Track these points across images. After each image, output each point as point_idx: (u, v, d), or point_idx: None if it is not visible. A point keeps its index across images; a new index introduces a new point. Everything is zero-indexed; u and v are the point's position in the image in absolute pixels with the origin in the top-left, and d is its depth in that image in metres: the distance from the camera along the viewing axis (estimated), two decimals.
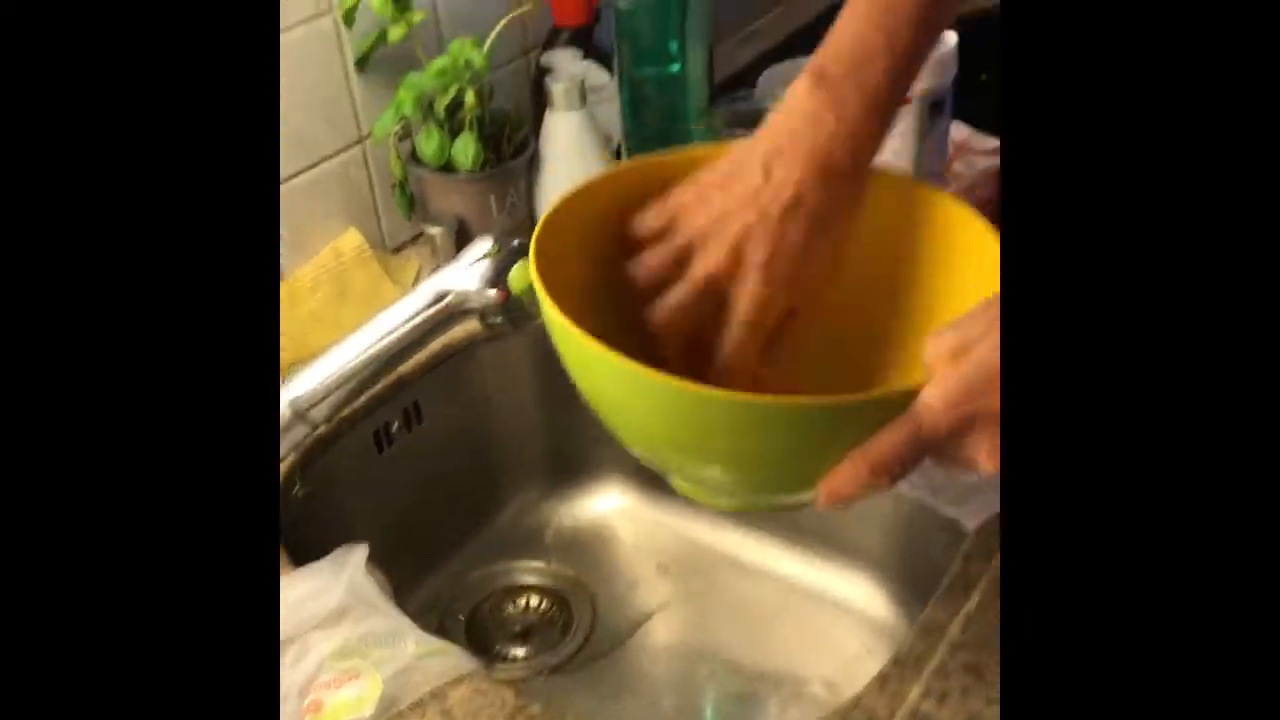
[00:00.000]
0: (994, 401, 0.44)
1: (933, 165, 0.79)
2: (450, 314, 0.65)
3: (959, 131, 0.93)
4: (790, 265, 0.54)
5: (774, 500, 0.56)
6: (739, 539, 0.90)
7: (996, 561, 0.64)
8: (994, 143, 0.92)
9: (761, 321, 0.56)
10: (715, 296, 0.55)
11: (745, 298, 0.54)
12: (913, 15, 0.54)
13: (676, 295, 0.55)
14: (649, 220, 0.57)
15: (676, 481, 0.56)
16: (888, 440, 0.46)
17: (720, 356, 0.56)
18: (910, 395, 0.46)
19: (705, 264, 0.55)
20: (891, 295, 0.61)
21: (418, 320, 0.65)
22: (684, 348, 0.57)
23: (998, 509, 0.66)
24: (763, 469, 0.51)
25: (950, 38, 0.77)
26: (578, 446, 0.93)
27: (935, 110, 0.76)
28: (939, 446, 0.46)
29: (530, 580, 0.90)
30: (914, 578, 0.81)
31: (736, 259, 0.54)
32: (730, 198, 0.54)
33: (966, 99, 0.89)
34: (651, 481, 0.92)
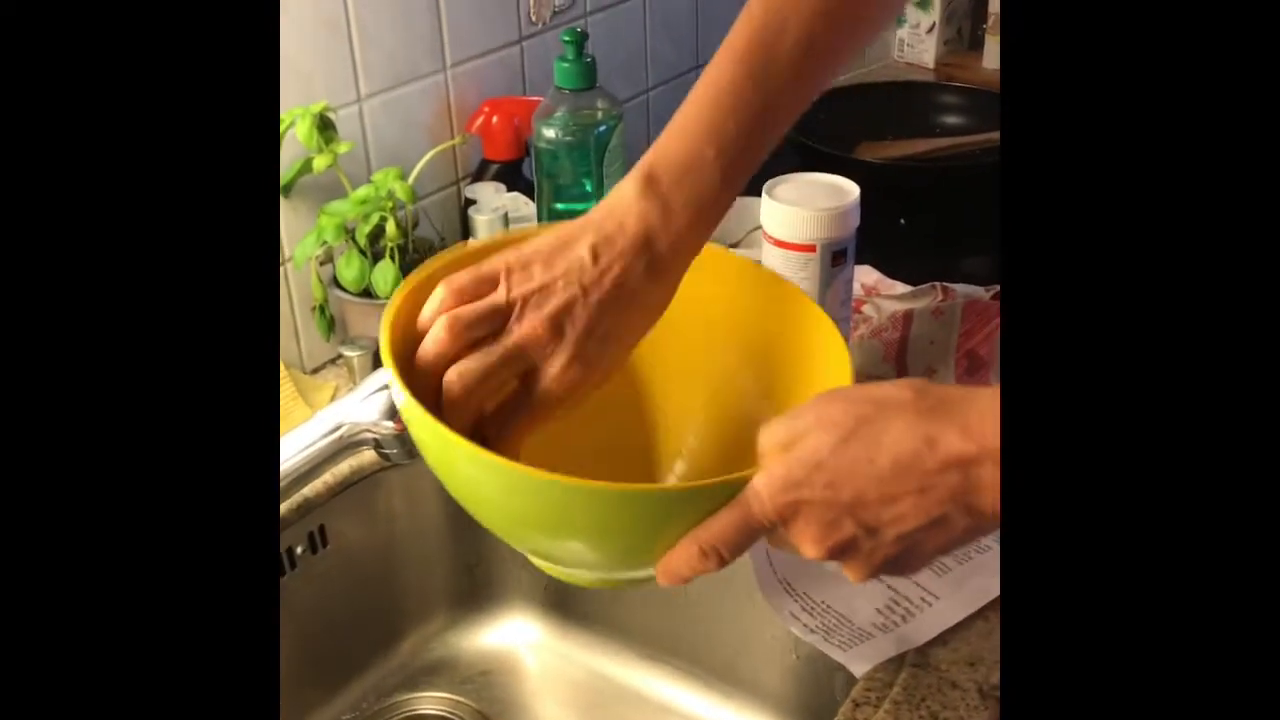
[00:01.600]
0: (816, 492, 0.48)
1: (836, 310, 0.81)
2: (346, 444, 0.65)
3: (869, 276, 0.96)
4: (602, 346, 0.55)
5: (622, 576, 0.59)
6: (645, 674, 0.89)
7: (884, 707, 0.65)
8: (903, 287, 0.95)
9: (566, 398, 0.56)
10: (517, 364, 0.55)
11: (557, 371, 0.55)
12: (743, 132, 0.57)
13: (486, 357, 0.54)
14: (461, 279, 0.55)
15: (533, 559, 0.59)
16: (718, 524, 0.50)
17: (513, 425, 0.56)
18: (742, 482, 0.50)
19: (521, 330, 0.54)
20: (734, 379, 0.66)
21: (313, 449, 0.65)
22: (471, 415, 0.56)
23: (886, 655, 0.67)
24: (605, 547, 0.54)
25: (853, 191, 0.80)
26: (486, 574, 0.92)
27: (837, 258, 0.79)
28: (766, 532, 0.50)
29: (432, 711, 0.88)
30: (815, 716, 0.81)
31: (554, 332, 0.54)
32: (553, 272, 0.54)
33: (879, 244, 0.92)
34: (560, 612, 0.92)
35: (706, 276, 0.61)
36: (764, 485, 0.49)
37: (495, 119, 0.99)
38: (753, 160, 0.59)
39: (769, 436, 0.51)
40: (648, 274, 0.56)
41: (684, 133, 0.57)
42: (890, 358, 0.88)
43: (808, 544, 0.50)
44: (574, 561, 0.57)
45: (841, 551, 0.50)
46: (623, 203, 0.56)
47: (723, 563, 0.50)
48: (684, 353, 0.66)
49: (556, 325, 0.54)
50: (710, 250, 0.60)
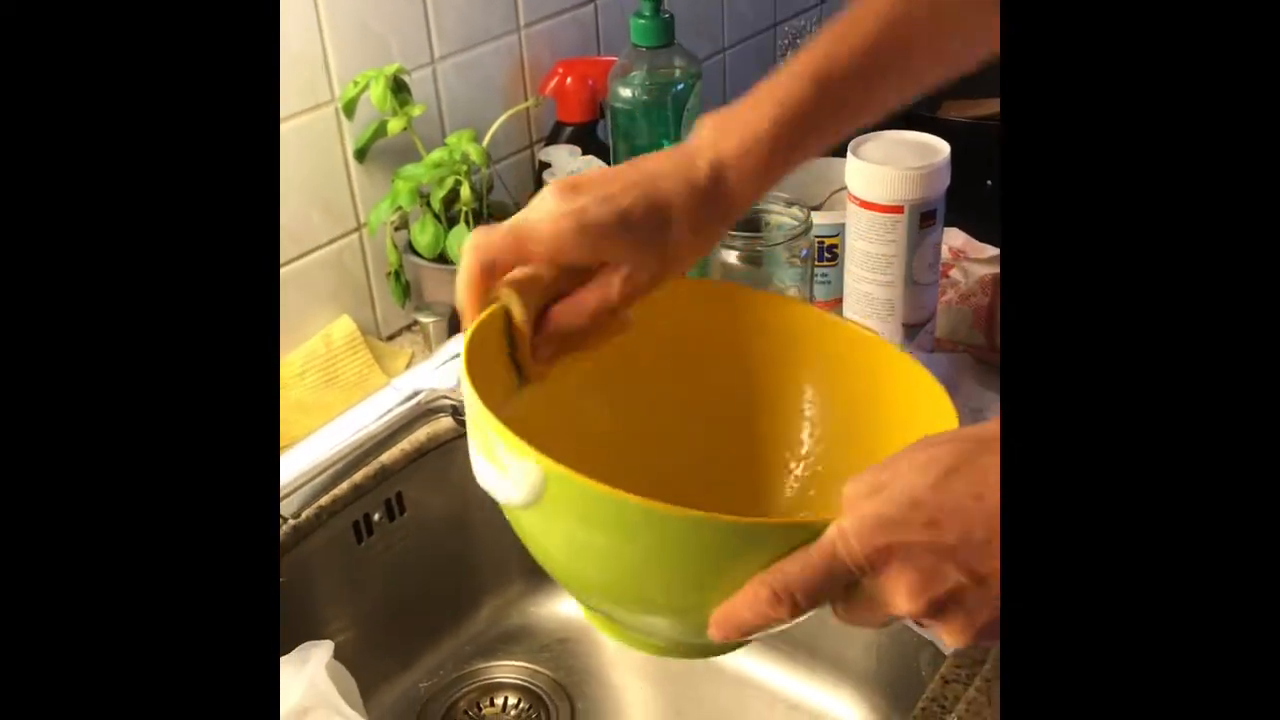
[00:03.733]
0: (914, 533, 0.42)
1: (924, 273, 0.78)
2: (423, 411, 0.64)
3: (956, 238, 0.92)
4: (660, 267, 0.53)
5: (673, 632, 0.52)
6: None
7: (975, 684, 0.62)
8: (992, 250, 0.91)
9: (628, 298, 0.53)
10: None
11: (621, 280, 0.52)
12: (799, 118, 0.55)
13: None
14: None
15: (590, 615, 0.54)
16: (794, 565, 0.43)
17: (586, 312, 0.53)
18: (824, 524, 0.43)
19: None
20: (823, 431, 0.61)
21: (390, 416, 0.64)
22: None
23: None
24: (657, 580, 0.47)
25: (943, 149, 0.77)
26: None
27: (926, 220, 0.76)
28: (850, 580, 0.43)
29: (508, 680, 0.88)
30: (897, 693, 0.79)
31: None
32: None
33: (968, 207, 0.89)
34: None
35: (819, 348, 0.59)
36: (852, 525, 0.42)
37: (569, 80, 0.98)
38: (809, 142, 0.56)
39: (856, 484, 0.44)
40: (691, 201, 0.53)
41: (748, 99, 0.55)
42: (979, 324, 0.85)
43: (903, 596, 0.42)
44: (622, 597, 0.51)
45: (942, 607, 0.43)
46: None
47: (795, 613, 0.43)
48: (789, 419, 0.62)
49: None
50: (828, 320, 0.59)
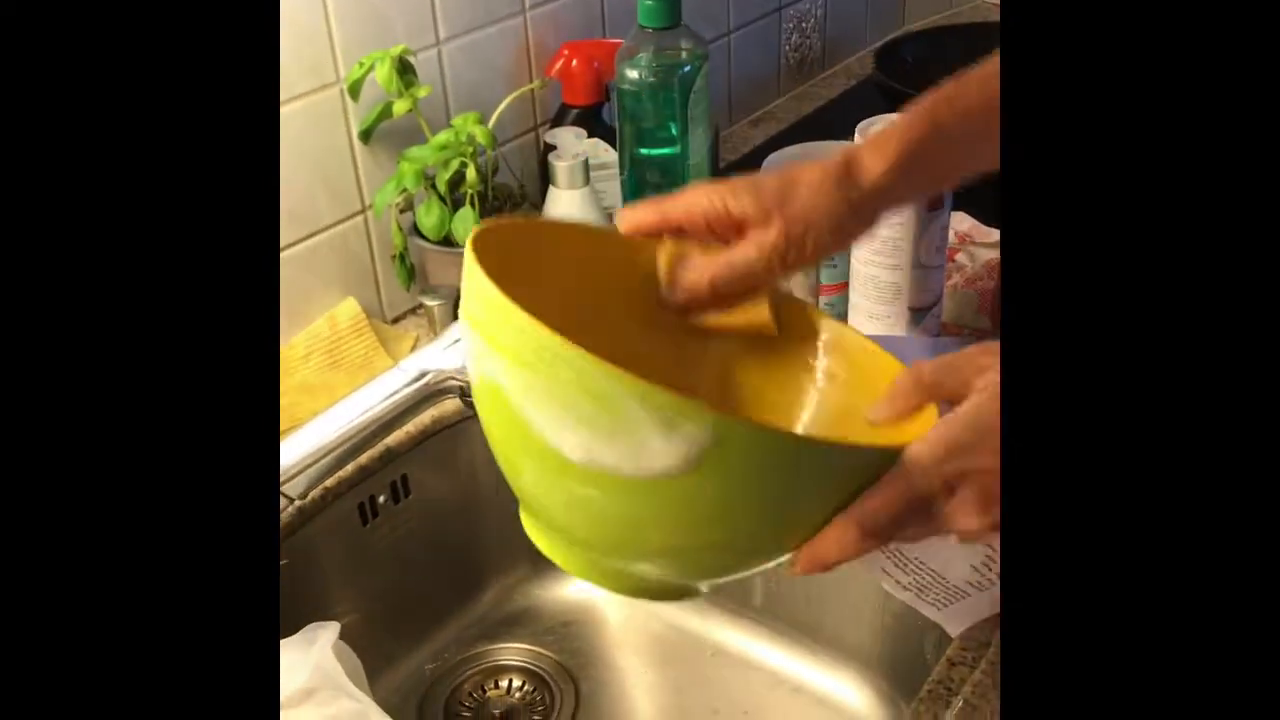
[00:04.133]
0: (986, 459, 0.44)
1: (931, 256, 0.78)
2: (431, 392, 0.64)
3: (963, 223, 0.92)
4: (786, 230, 0.56)
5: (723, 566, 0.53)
6: (727, 628, 0.88)
7: (981, 667, 0.62)
8: (998, 234, 0.91)
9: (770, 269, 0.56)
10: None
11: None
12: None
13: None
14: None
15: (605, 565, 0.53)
16: (878, 500, 0.45)
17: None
18: (895, 452, 0.45)
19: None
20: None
21: (398, 397, 0.64)
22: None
23: (983, 615, 0.64)
24: (735, 503, 0.46)
25: None
26: None
27: (933, 203, 0.76)
28: (926, 505, 0.46)
29: (513, 662, 0.88)
30: (902, 676, 0.79)
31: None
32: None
33: (973, 191, 0.88)
34: None
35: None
36: (926, 453, 0.45)
37: (574, 62, 0.97)
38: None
39: (917, 373, 0.48)
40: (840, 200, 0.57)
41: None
42: (985, 308, 0.85)
43: (970, 515, 0.46)
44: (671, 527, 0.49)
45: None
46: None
47: (883, 544, 0.47)
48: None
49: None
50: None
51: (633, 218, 0.57)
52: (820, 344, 0.61)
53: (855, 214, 0.57)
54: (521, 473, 0.49)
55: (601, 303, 0.59)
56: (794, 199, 0.56)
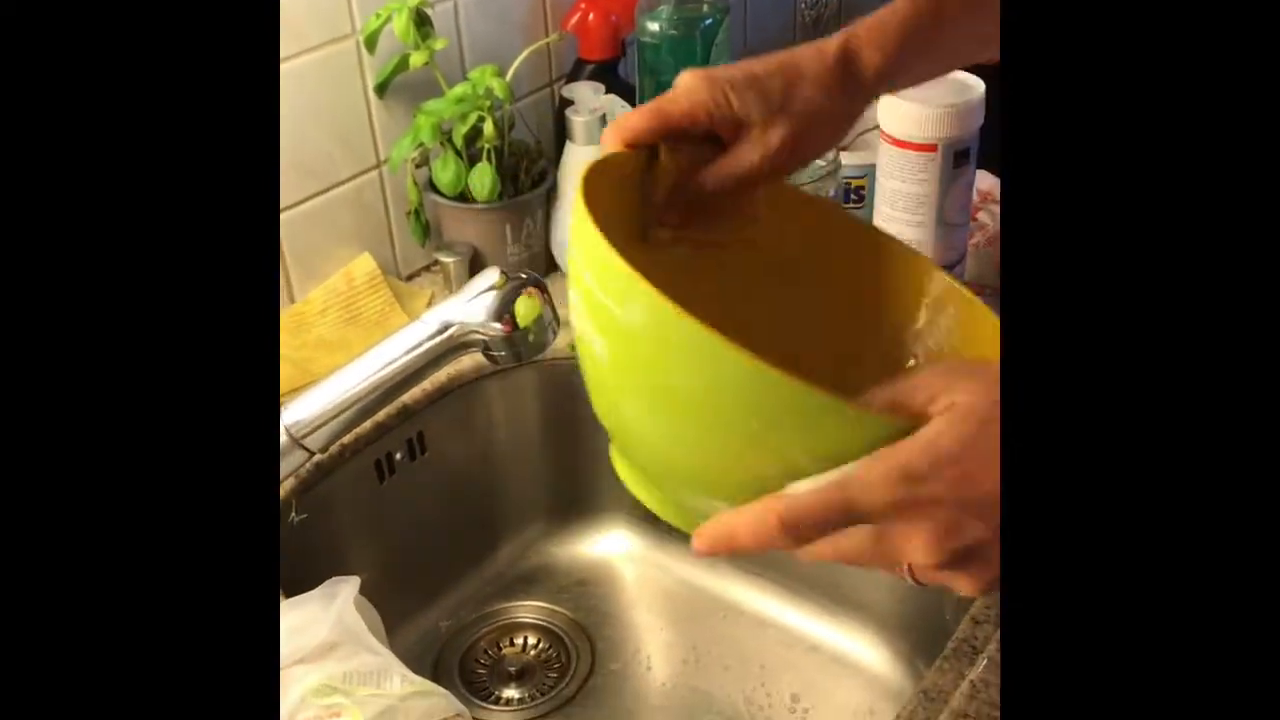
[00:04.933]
0: (942, 489, 0.40)
1: (955, 214, 0.77)
2: (453, 346, 0.63)
3: (985, 181, 0.91)
4: (791, 129, 0.53)
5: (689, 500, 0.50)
6: (743, 588, 0.88)
7: None
8: None
9: (773, 170, 0.54)
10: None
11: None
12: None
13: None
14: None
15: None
16: (808, 499, 0.41)
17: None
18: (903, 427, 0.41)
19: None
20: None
21: (420, 351, 0.63)
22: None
23: None
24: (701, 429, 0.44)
25: (978, 87, 0.75)
26: (582, 485, 0.91)
27: (960, 159, 0.75)
28: (860, 523, 0.41)
29: (529, 620, 0.88)
30: (922, 636, 0.79)
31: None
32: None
33: (994, 151, 0.87)
34: (658, 522, 0.90)
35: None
36: (874, 472, 0.40)
37: (592, 16, 0.96)
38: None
39: (890, 393, 0.43)
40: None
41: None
42: None
43: (919, 548, 0.41)
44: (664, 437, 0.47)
45: (961, 559, 0.41)
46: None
47: (797, 545, 0.42)
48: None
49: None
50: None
51: (630, 124, 0.53)
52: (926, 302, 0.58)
53: (855, 110, 0.56)
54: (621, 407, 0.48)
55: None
56: (797, 99, 0.54)
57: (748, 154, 0.53)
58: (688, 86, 0.53)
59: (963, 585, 0.43)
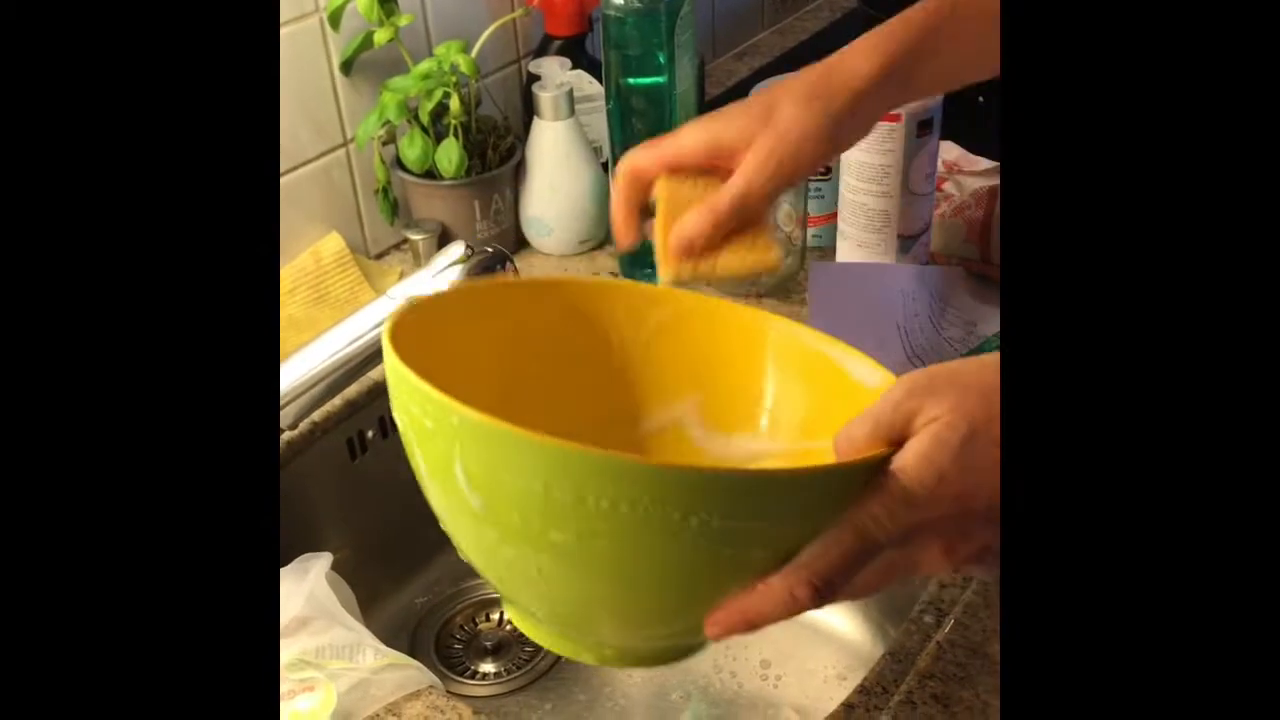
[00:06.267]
0: (944, 507, 0.41)
1: (920, 184, 0.78)
2: None
3: (950, 152, 0.92)
4: (775, 144, 0.56)
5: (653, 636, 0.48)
6: None
7: (972, 587, 0.63)
8: (985, 163, 0.91)
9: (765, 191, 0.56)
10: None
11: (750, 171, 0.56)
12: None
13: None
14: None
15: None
16: (831, 553, 0.41)
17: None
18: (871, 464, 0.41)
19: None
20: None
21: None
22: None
23: None
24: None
25: None
26: None
27: (923, 128, 0.75)
28: (880, 551, 0.42)
29: None
30: (892, 602, 0.80)
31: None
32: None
33: (959, 120, 0.88)
34: None
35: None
36: (883, 507, 0.41)
37: None
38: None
39: (868, 421, 0.42)
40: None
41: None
42: (974, 237, 0.85)
43: (934, 561, 0.43)
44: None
45: (975, 559, 0.43)
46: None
47: (831, 601, 0.42)
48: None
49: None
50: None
51: (634, 162, 0.57)
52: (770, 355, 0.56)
53: (838, 122, 0.57)
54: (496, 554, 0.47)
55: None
56: (778, 116, 0.56)
57: (738, 178, 0.56)
58: (683, 129, 0.58)
59: (982, 574, 0.45)
